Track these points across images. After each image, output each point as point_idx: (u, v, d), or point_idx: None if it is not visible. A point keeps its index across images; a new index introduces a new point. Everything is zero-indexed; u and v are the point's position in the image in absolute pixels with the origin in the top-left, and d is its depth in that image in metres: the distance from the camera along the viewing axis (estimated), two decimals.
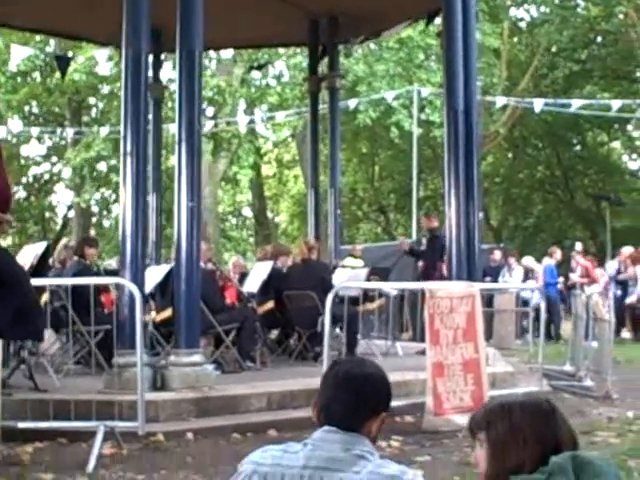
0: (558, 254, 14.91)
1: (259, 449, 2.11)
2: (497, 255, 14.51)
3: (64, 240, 13.65)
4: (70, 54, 16.25)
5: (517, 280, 13.47)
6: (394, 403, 6.49)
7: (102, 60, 12.83)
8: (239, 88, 20.15)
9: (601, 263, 15.74)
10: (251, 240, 32.43)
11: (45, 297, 7.10)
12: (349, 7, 10.63)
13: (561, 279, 14.97)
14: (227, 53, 19.87)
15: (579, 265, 14.67)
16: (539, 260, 15.32)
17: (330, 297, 6.27)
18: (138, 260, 6.62)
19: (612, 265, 14.82)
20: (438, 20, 10.50)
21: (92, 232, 25.96)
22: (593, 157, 29.01)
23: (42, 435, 5.67)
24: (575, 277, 14.53)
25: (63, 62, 12.55)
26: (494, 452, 1.90)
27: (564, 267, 15.83)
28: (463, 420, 6.02)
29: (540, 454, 1.85)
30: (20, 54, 12.80)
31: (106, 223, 28.36)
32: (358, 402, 2.03)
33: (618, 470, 1.92)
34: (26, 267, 7.15)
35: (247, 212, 33.60)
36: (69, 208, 27.58)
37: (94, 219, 28.53)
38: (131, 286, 6.11)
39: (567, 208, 30.01)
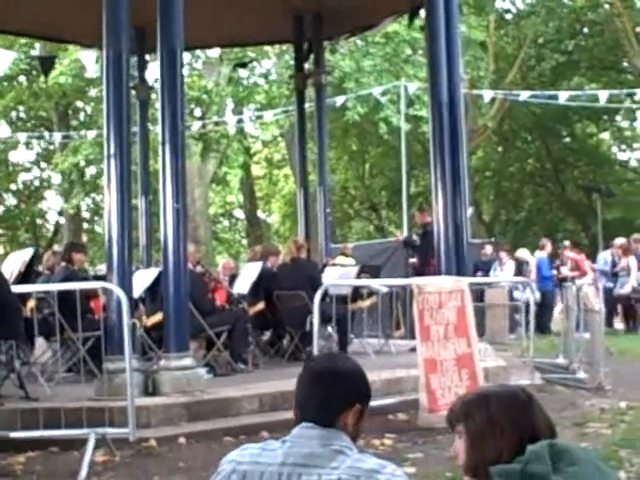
0: (549, 247, 14.91)
1: (238, 448, 2.09)
2: (488, 250, 14.49)
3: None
4: (54, 55, 16.13)
5: (508, 274, 13.45)
6: (386, 401, 6.47)
7: (87, 62, 12.72)
8: (226, 87, 20.07)
9: (593, 255, 15.75)
10: (244, 242, 32.37)
11: (31, 304, 7.05)
12: (333, 3, 10.61)
13: (554, 272, 14.96)
14: (214, 53, 19.81)
15: (568, 259, 14.68)
16: (532, 254, 15.32)
17: (318, 295, 6.24)
18: (125, 264, 6.58)
19: (605, 256, 14.82)
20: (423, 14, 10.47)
21: (84, 238, 25.87)
22: (583, 149, 29.04)
23: (33, 444, 5.63)
24: (565, 271, 14.53)
25: (46, 63, 12.48)
26: (472, 443, 1.90)
27: (555, 260, 15.82)
28: None
29: (518, 444, 1.85)
30: (5, 58, 12.70)
31: (98, 229, 28.26)
32: (328, 396, 2.02)
33: (596, 457, 1.91)
34: (13, 274, 7.12)
35: (239, 214, 33.55)
36: (60, 214, 27.47)
37: (85, 225, 28.43)
38: (118, 290, 6.06)
39: (558, 201, 30.05)
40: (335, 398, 2.02)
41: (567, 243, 15.79)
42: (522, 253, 14.96)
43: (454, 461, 5.07)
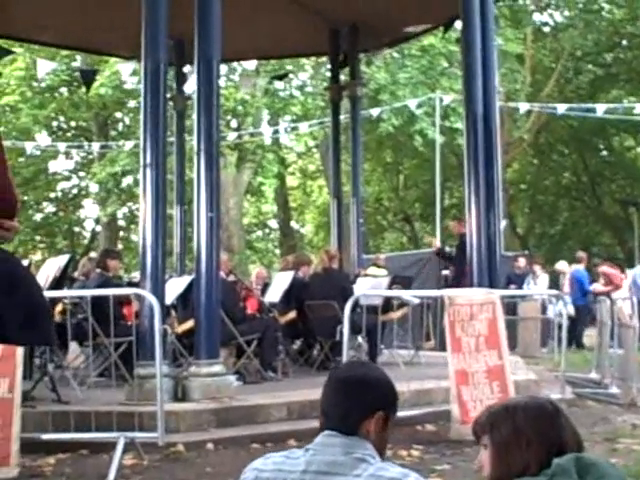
0: (585, 260, 14.77)
1: (261, 457, 2.11)
2: (521, 262, 14.38)
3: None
4: (95, 68, 16.42)
5: (542, 288, 13.33)
6: (414, 412, 6.44)
7: (126, 74, 12.94)
8: (261, 99, 20.23)
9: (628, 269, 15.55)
10: (277, 251, 32.48)
11: (59, 308, 7.16)
12: (369, 15, 10.65)
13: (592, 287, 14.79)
14: (251, 65, 19.99)
15: (602, 274, 14.51)
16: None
17: (349, 305, 6.25)
18: (158, 271, 6.66)
19: (636, 271, 14.63)
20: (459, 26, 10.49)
21: (119, 246, 26.18)
22: (620, 162, 28.69)
23: (64, 446, 5.72)
24: (599, 287, 14.36)
25: (88, 76, 12.70)
26: (498, 455, 1.88)
27: (591, 274, 15.65)
28: None
29: (544, 456, 1.83)
30: (45, 68, 12.97)
31: (133, 237, 28.58)
32: (350, 403, 2.03)
33: (624, 473, 1.89)
34: (49, 278, 7.25)
35: (272, 224, 33.70)
36: (96, 222, 27.86)
37: (121, 233, 28.77)
38: (150, 297, 6.14)
39: (594, 214, 29.70)
40: (357, 405, 2.02)
41: (600, 260, 15.62)
42: (561, 266, 14.86)
43: (480, 473, 5.04)
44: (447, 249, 11.84)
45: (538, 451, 1.84)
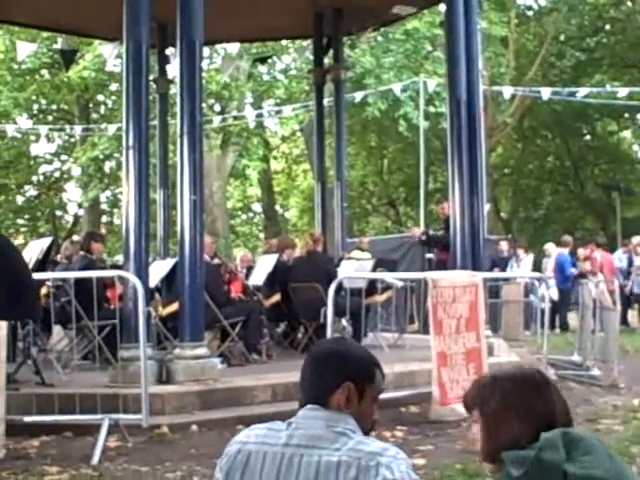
0: (571, 244, 14.86)
1: (246, 429, 2.12)
2: (504, 246, 14.46)
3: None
4: (75, 48, 16.26)
5: (525, 271, 13.42)
6: (398, 394, 6.49)
7: (108, 56, 12.83)
8: (245, 82, 20.13)
9: (612, 253, 15.68)
10: (261, 235, 32.47)
11: (43, 291, 7.12)
12: None
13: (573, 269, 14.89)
14: (233, 48, 19.87)
15: (590, 257, 14.60)
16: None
17: (332, 288, 6.28)
18: (142, 254, 6.65)
19: (619, 255, 14.80)
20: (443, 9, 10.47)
21: (102, 230, 26.05)
22: (603, 147, 28.87)
23: (48, 429, 5.72)
24: (584, 266, 14.45)
25: (68, 56, 12.59)
26: (488, 428, 1.87)
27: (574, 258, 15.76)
28: None
29: (534, 429, 1.82)
30: (25, 50, 12.81)
31: (116, 221, 28.45)
32: (318, 376, 2.05)
33: (609, 448, 1.90)
34: (32, 261, 7.22)
35: (256, 207, 33.65)
36: (79, 206, 27.69)
37: (104, 217, 28.62)
38: (134, 279, 6.14)
39: (577, 199, 29.88)
40: (324, 374, 2.03)
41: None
42: (548, 247, 14.99)
43: (465, 454, 5.10)
44: (431, 233, 11.73)
45: (527, 423, 1.83)
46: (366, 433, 2.08)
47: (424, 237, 11.34)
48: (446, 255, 10.24)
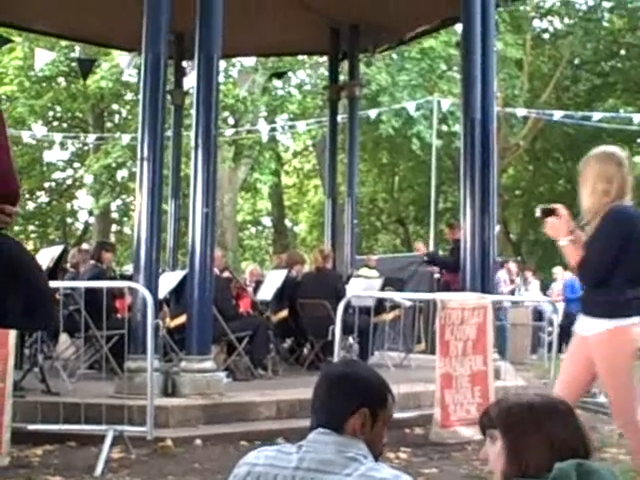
0: None
1: (254, 450, 2.11)
2: (513, 268, 14.41)
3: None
4: (93, 58, 16.37)
5: (533, 294, 13.38)
6: (403, 415, 6.44)
7: (125, 66, 12.91)
8: (260, 96, 20.21)
9: None
10: (270, 249, 32.48)
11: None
12: (370, 15, 10.66)
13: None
14: (249, 61, 19.98)
15: None
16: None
17: (341, 306, 6.26)
18: (152, 265, 6.65)
19: None
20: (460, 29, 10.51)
21: (112, 238, 26.12)
22: None
23: (52, 438, 5.71)
24: None
25: (86, 65, 12.66)
26: (513, 451, 1.85)
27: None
28: (469, 432, 5.99)
29: (557, 457, 1.80)
30: (44, 58, 12.90)
31: (126, 229, 28.52)
32: (334, 400, 2.04)
33: None
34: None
35: (266, 221, 33.67)
36: (90, 214, 27.78)
37: (114, 225, 28.71)
38: (144, 291, 6.13)
39: None
40: (340, 401, 2.03)
41: None
42: (557, 271, 14.96)
43: (469, 478, 5.05)
44: (434, 254, 11.69)
45: (553, 451, 1.81)
46: (376, 457, 2.07)
47: (426, 258, 11.32)
48: (451, 276, 10.24)
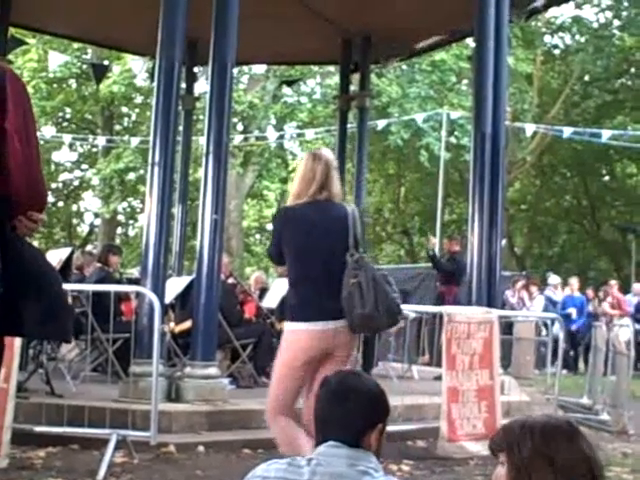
0: (575, 285, 14.92)
1: (263, 463, 2.12)
2: (518, 286, 14.40)
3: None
4: (105, 63, 16.47)
5: (538, 309, 13.36)
6: (406, 427, 6.44)
7: (138, 70, 12.96)
8: (272, 104, 20.27)
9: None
10: None
11: None
12: (382, 27, 10.68)
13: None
14: (260, 68, 20.04)
15: (611, 296, 14.59)
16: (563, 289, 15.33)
17: None
18: (160, 270, 6.65)
19: (629, 299, 14.78)
20: (472, 43, 10.54)
21: (117, 241, 26.17)
22: (621, 188, 28.78)
23: (55, 440, 5.70)
24: (606, 307, 14.42)
25: (99, 70, 12.73)
26: (515, 475, 1.86)
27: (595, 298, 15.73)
28: (476, 447, 5.98)
29: (561, 477, 1.81)
30: (57, 61, 12.98)
31: (131, 232, 28.58)
32: (352, 415, 2.04)
33: None
34: None
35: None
36: (96, 216, 27.84)
37: (120, 228, 28.76)
38: (151, 295, 6.14)
39: (592, 239, 29.76)
40: (359, 418, 2.04)
41: (613, 282, 15.71)
42: (553, 280, 15.03)
43: None
44: (438, 256, 11.58)
45: (557, 474, 1.82)
46: None
47: (431, 252, 11.23)
48: (446, 288, 10.24)
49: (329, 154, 4.07)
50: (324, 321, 3.78)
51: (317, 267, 3.83)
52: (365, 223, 4.08)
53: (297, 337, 3.87)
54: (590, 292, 15.43)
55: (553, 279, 15.50)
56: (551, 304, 14.34)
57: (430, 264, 11.53)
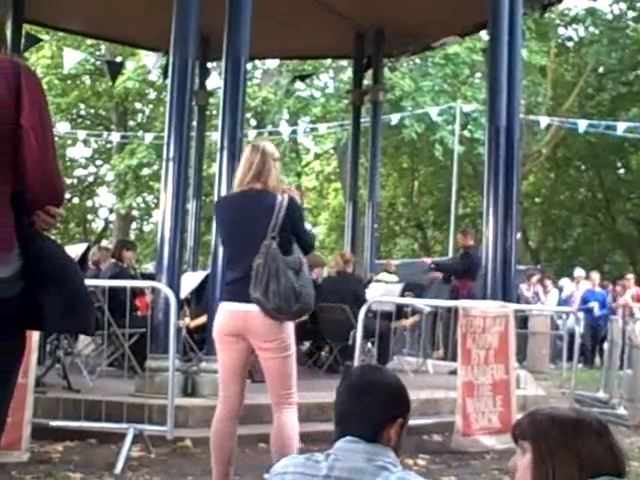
0: (596, 279, 14.82)
1: (284, 459, 2.13)
2: (533, 280, 14.34)
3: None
4: (119, 59, 16.51)
5: (552, 302, 13.32)
6: (422, 421, 6.44)
7: (151, 66, 12.97)
8: (286, 99, 20.27)
9: None
10: None
11: None
12: (395, 20, 10.66)
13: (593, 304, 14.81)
14: (273, 63, 20.04)
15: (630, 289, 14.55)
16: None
17: (363, 311, 6.26)
18: (175, 265, 6.68)
19: None
20: (485, 36, 10.49)
21: (132, 236, 26.27)
22: (636, 181, 28.57)
23: (72, 434, 5.75)
24: (628, 298, 14.35)
25: (114, 68, 12.76)
26: (539, 465, 1.85)
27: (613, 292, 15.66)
28: (490, 441, 5.98)
29: (588, 474, 1.80)
30: (73, 58, 13.00)
31: (146, 228, 28.68)
32: (370, 409, 2.05)
33: None
34: None
35: None
36: (110, 211, 27.95)
37: (134, 223, 28.87)
38: (167, 290, 6.16)
39: (607, 232, 29.59)
40: (378, 411, 2.04)
41: (630, 276, 15.66)
42: (578, 273, 14.99)
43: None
44: (440, 262, 11.59)
45: (583, 468, 1.81)
46: None
47: (433, 266, 11.27)
48: (460, 282, 10.22)
49: (269, 146, 4.19)
50: (237, 302, 4.00)
51: (239, 253, 4.06)
52: (299, 212, 4.17)
53: (218, 314, 4.14)
54: (610, 286, 15.38)
55: (578, 272, 15.42)
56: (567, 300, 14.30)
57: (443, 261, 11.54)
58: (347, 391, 2.11)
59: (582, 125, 17.94)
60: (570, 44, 25.68)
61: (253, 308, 3.94)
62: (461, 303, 6.64)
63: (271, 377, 4.08)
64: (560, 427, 1.86)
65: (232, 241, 4.14)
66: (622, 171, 29.29)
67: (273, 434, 4.14)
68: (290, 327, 4.10)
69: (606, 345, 9.30)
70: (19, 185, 2.12)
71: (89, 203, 30.09)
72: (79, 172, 28.72)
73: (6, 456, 4.95)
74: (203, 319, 7.41)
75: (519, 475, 1.91)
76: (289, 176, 21.37)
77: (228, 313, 4.05)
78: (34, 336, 5.26)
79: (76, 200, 29.31)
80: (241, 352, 4.09)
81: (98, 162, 27.73)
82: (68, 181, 28.58)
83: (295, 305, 3.96)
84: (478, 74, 20.54)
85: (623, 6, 24.53)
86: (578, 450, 1.83)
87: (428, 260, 12.08)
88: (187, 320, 8.30)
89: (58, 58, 18.25)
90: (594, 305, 14.19)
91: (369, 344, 8.47)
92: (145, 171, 22.45)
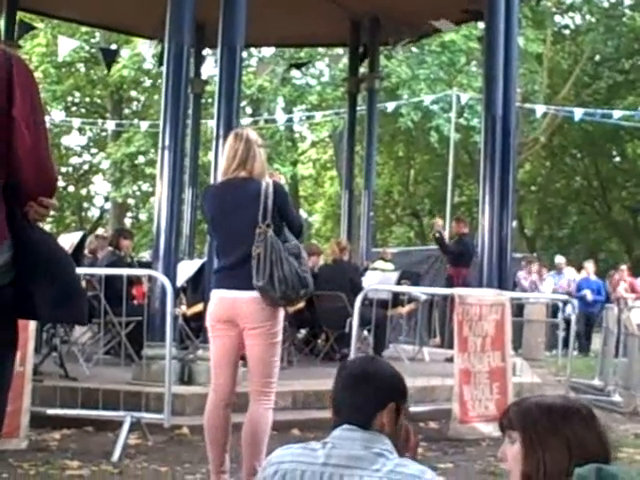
0: (591, 268, 14.87)
1: (279, 448, 2.14)
2: (534, 268, 14.34)
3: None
4: (114, 47, 16.44)
5: (548, 290, 13.35)
6: (418, 409, 6.46)
7: (146, 53, 12.91)
8: (282, 87, 20.21)
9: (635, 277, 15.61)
10: None
11: None
12: (391, 8, 10.62)
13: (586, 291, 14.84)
14: (268, 51, 19.98)
15: (624, 281, 14.58)
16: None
17: (359, 299, 6.28)
18: (171, 253, 6.68)
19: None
20: (481, 24, 10.47)
21: (127, 224, 26.24)
22: (632, 169, 28.62)
23: (70, 422, 5.76)
24: (622, 291, 14.40)
25: (109, 55, 12.70)
26: (527, 453, 1.86)
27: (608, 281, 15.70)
28: (487, 428, 6.00)
29: (577, 460, 1.80)
30: (67, 46, 12.93)
31: (142, 216, 28.64)
32: (361, 397, 2.08)
33: None
34: None
35: None
36: (106, 199, 27.92)
37: (130, 212, 28.83)
38: (163, 279, 6.17)
39: (603, 220, 29.65)
40: (369, 397, 2.07)
41: (624, 267, 15.69)
42: (559, 260, 15.02)
43: (484, 475, 5.07)
44: (444, 239, 11.40)
45: (572, 454, 1.82)
46: (399, 450, 2.11)
47: (437, 234, 11.12)
48: (455, 271, 10.21)
49: (252, 133, 4.18)
50: (226, 289, 4.03)
51: (227, 241, 4.10)
52: (286, 196, 4.18)
53: (210, 303, 4.18)
54: (613, 275, 15.43)
55: (559, 259, 15.47)
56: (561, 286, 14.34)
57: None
58: (342, 381, 2.14)
59: (578, 113, 17.94)
60: (566, 32, 25.64)
61: (243, 295, 3.95)
62: (457, 291, 6.66)
63: (253, 362, 4.10)
64: (548, 415, 1.87)
65: (220, 230, 4.16)
66: (618, 159, 29.32)
67: (246, 425, 4.14)
68: (280, 314, 4.11)
69: (600, 334, 9.34)
70: (12, 177, 2.12)
71: (84, 191, 30.03)
72: (74, 160, 28.67)
73: (4, 444, 4.96)
74: (199, 307, 7.41)
75: (509, 464, 1.92)
76: (284, 165, 21.35)
77: (218, 300, 4.08)
78: (30, 325, 5.26)
79: (71, 188, 29.26)
80: (233, 339, 4.10)
81: (93, 150, 27.66)
82: (63, 169, 28.52)
83: (302, 290, 4.01)
84: (474, 62, 20.51)
85: None
86: (567, 436, 1.84)
87: (440, 222, 11.85)
88: (183, 308, 8.31)
89: (53, 46, 18.17)
90: (586, 292, 14.23)
91: (365, 332, 8.49)
92: (141, 159, 22.40)
